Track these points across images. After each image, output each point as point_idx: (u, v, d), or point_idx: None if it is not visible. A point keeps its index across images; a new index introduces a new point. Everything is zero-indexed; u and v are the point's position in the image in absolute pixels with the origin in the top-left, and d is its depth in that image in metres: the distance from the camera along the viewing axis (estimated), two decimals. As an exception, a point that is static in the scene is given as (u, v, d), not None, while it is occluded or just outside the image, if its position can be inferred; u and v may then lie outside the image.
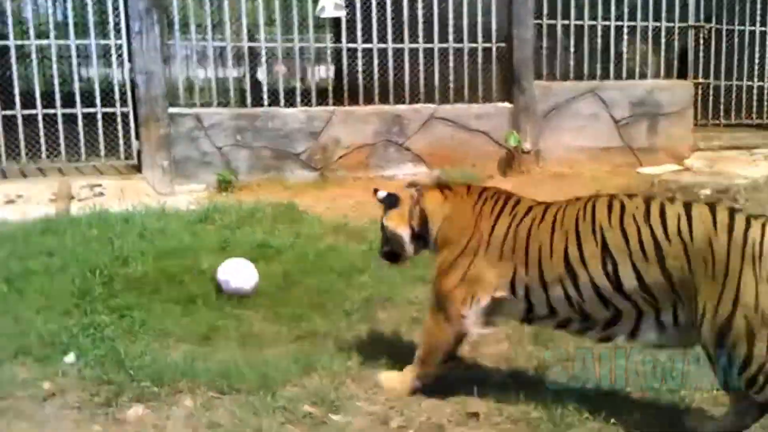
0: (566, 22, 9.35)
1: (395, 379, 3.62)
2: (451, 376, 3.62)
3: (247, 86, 8.53)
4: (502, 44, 9.11)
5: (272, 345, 4.15)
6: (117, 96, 8.01)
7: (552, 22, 9.30)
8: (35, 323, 4.25)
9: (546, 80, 9.33)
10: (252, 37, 9.21)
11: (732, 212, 2.94)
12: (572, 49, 9.44)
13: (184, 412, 3.40)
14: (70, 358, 3.88)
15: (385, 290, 4.94)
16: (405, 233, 3.65)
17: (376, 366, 3.83)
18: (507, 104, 9.14)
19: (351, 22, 8.72)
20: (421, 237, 3.65)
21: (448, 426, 3.30)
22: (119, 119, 8.00)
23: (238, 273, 4.88)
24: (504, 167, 8.96)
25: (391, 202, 3.72)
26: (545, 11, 9.23)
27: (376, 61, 8.71)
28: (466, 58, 9.02)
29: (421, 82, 8.89)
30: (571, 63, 9.45)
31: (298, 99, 8.56)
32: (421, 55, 8.88)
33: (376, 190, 3.83)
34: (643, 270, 3.00)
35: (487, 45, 9.08)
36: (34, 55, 7.90)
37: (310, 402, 3.46)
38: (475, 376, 3.74)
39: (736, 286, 2.81)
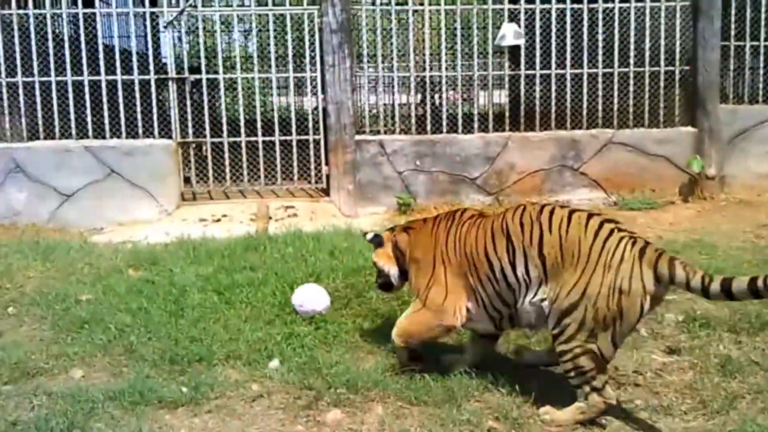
0: (755, 43, 8.97)
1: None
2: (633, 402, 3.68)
3: (427, 113, 8.90)
4: (686, 67, 8.91)
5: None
6: (310, 124, 8.68)
7: (740, 43, 8.96)
8: (243, 331, 4.76)
9: (732, 103, 9.01)
10: (432, 66, 9.60)
11: (602, 222, 3.51)
12: (761, 71, 9.03)
13: (377, 419, 3.71)
14: (274, 363, 4.32)
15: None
16: (392, 270, 4.32)
17: (558, 387, 3.95)
18: (690, 128, 8.92)
19: (529, 48, 8.87)
20: (404, 271, 4.28)
21: (633, 449, 3.37)
22: (311, 146, 8.65)
23: (312, 297, 5.10)
24: (686, 193, 8.73)
25: (377, 242, 4.40)
26: (732, 32, 8.92)
27: (554, 87, 8.81)
28: (647, 81, 8.91)
29: (600, 107, 8.88)
30: (760, 85, 9.04)
31: (476, 125, 8.83)
32: (600, 79, 8.87)
33: (365, 234, 4.56)
34: (528, 252, 3.62)
35: (670, 68, 8.91)
36: (239, 87, 8.74)
37: (493, 417, 3.66)
38: (659, 404, 3.78)
39: (588, 280, 3.37)
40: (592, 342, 3.40)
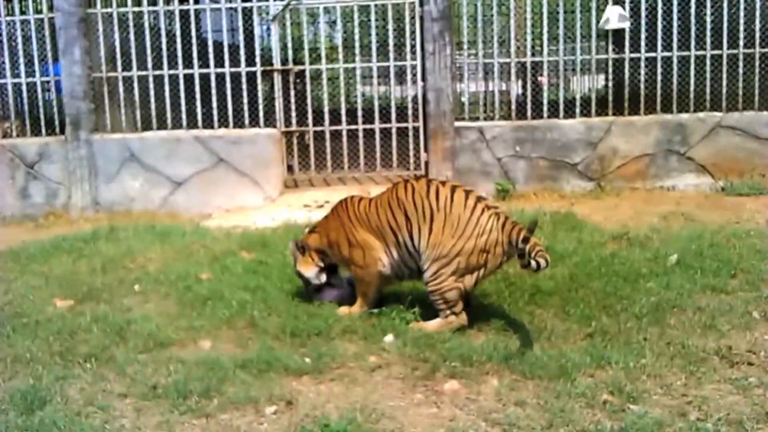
0: None
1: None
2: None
3: (527, 98, 8.89)
4: (797, 48, 8.60)
5: (564, 340, 4.41)
6: (410, 112, 8.81)
7: None
8: (357, 308, 4.94)
9: None
10: (533, 52, 9.56)
11: (477, 200, 4.57)
12: None
13: (493, 390, 3.81)
14: (389, 338, 4.48)
15: (673, 297, 4.99)
16: (312, 272, 5.11)
17: (671, 366, 3.96)
18: (803, 110, 8.59)
19: (634, 31, 8.73)
20: (325, 267, 5.12)
21: (748, 422, 3.35)
22: (410, 133, 8.79)
23: None
24: (798, 178, 8.42)
25: (299, 252, 5.14)
26: None
27: (659, 70, 8.64)
28: (757, 63, 8.62)
29: (707, 90, 8.66)
30: None
31: (578, 110, 8.76)
32: (707, 62, 8.64)
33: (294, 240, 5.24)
34: (422, 226, 4.62)
35: (781, 49, 8.61)
36: (341, 77, 8.96)
37: (607, 391, 3.69)
38: (772, 380, 3.75)
39: (464, 243, 4.47)
40: (460, 282, 4.51)
